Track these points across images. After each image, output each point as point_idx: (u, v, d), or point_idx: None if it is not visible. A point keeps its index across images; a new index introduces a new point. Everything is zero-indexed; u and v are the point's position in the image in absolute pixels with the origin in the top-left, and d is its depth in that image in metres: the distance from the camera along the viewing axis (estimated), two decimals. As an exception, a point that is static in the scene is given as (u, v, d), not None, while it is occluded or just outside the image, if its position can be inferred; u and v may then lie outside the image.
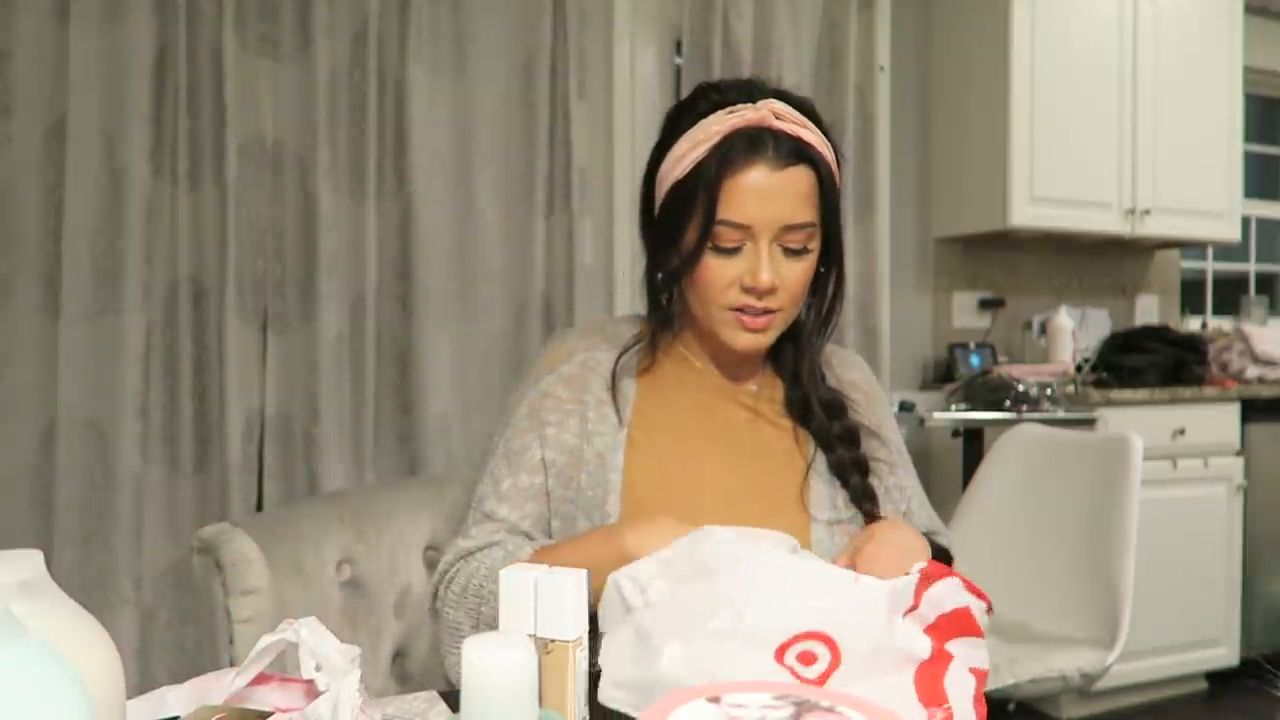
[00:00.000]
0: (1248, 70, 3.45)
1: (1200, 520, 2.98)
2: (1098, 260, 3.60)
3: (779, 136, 0.96)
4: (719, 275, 0.98)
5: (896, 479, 1.09)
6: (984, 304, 3.38)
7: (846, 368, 1.15)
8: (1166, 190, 3.24)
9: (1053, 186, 3.06)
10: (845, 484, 1.03)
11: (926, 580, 0.69)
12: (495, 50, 2.44)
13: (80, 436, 2.09)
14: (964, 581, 0.70)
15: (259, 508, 2.24)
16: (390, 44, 2.32)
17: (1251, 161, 3.75)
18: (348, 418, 2.29)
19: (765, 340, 1.01)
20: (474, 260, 2.42)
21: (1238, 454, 3.04)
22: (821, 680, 0.65)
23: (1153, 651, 2.87)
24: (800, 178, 0.97)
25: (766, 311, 0.99)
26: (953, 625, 0.69)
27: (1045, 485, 2.09)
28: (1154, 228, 3.23)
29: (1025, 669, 1.78)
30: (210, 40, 2.17)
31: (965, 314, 3.38)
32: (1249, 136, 3.63)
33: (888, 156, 2.91)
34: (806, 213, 0.97)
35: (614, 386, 1.03)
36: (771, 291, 0.97)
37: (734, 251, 0.97)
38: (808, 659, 0.66)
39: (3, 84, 2.05)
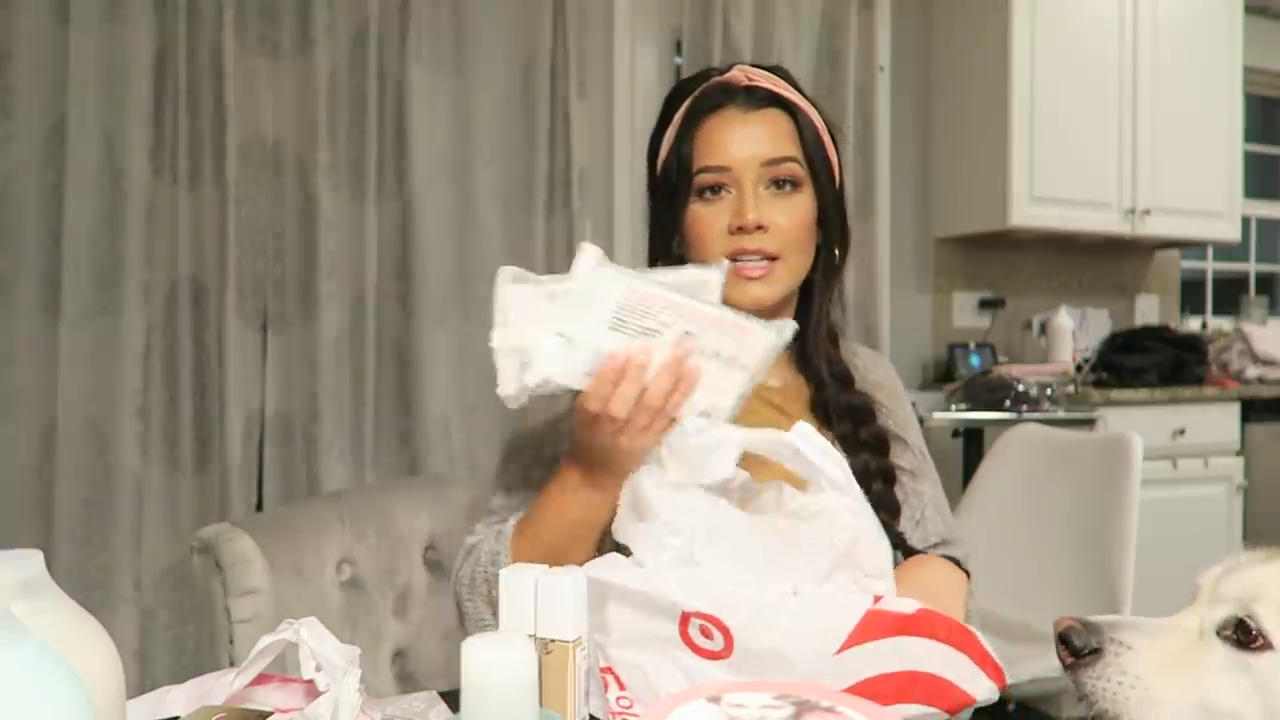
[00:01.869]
0: (1248, 70, 3.45)
1: (1200, 520, 2.97)
2: (1098, 260, 3.60)
3: (751, 88, 0.98)
4: (709, 225, 0.97)
5: (915, 484, 1.06)
6: (984, 304, 3.38)
7: (871, 367, 1.12)
8: (1166, 190, 3.23)
9: (1053, 186, 3.06)
10: (867, 490, 0.98)
11: (906, 624, 0.66)
12: (495, 51, 2.44)
13: (80, 436, 2.09)
14: (976, 650, 0.67)
15: (259, 508, 2.24)
16: (390, 44, 2.32)
17: (1251, 161, 3.75)
18: (348, 418, 2.29)
19: (768, 291, 0.97)
20: (474, 260, 2.42)
21: (1238, 454, 3.04)
22: (717, 656, 0.67)
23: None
24: (775, 119, 0.98)
25: (763, 257, 0.96)
26: (901, 689, 0.65)
27: (1045, 485, 2.09)
28: (1154, 228, 3.23)
29: (1025, 669, 1.78)
30: (210, 40, 2.17)
31: (965, 314, 3.38)
32: (1249, 136, 3.63)
33: (888, 156, 2.91)
34: (786, 148, 0.97)
35: None
36: (761, 230, 0.95)
37: (719, 198, 0.97)
38: (706, 633, 0.67)
39: (3, 84, 2.05)
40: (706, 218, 0.97)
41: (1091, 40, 3.10)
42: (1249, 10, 3.44)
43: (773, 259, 0.97)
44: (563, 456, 0.90)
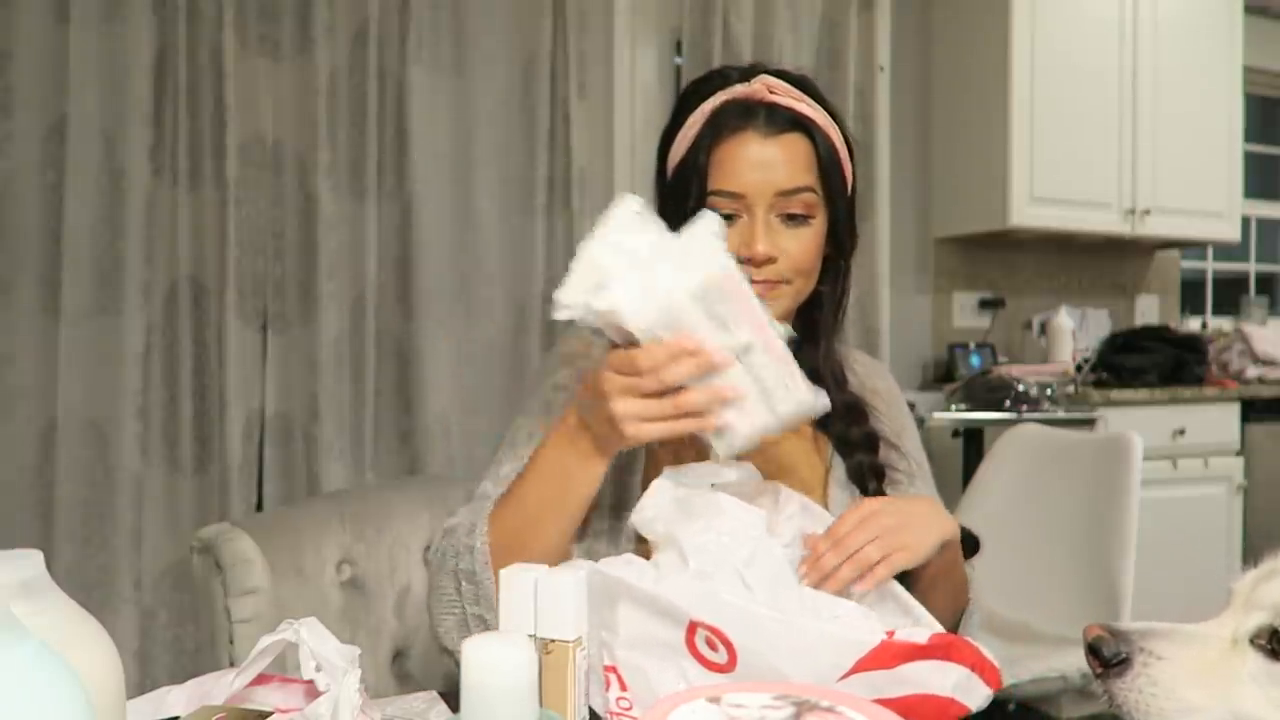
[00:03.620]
0: (1248, 70, 3.45)
1: (1200, 520, 2.97)
2: (1098, 260, 3.60)
3: (772, 107, 0.96)
4: None
5: (915, 489, 1.05)
6: (984, 304, 3.38)
7: (871, 375, 1.12)
8: (1166, 190, 3.23)
9: (1053, 186, 3.06)
10: (863, 491, 1.00)
11: (918, 653, 0.65)
12: (495, 51, 2.44)
13: (80, 436, 2.09)
14: (974, 659, 0.66)
15: (259, 508, 2.24)
16: (390, 44, 2.32)
17: (1251, 161, 3.75)
18: (348, 418, 2.29)
19: (772, 308, 0.95)
20: (474, 260, 2.42)
21: (1238, 454, 3.04)
22: (720, 669, 0.67)
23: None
24: (794, 144, 0.96)
25: (768, 283, 0.95)
26: (907, 710, 0.65)
27: (1045, 485, 2.09)
28: (1154, 228, 3.23)
29: (1025, 669, 1.78)
30: (210, 40, 2.17)
31: (965, 314, 3.38)
32: (1249, 136, 3.63)
33: (888, 156, 2.91)
34: (802, 178, 0.95)
35: None
36: (770, 262, 0.95)
37: (730, 223, 0.95)
38: (712, 645, 0.68)
39: (3, 84, 2.05)
40: None
41: (1091, 40, 3.10)
42: (1249, 10, 3.44)
43: (777, 283, 0.96)
44: (556, 419, 0.89)
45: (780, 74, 0.99)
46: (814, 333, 1.04)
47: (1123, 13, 3.14)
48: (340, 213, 2.29)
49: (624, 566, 0.71)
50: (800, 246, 0.96)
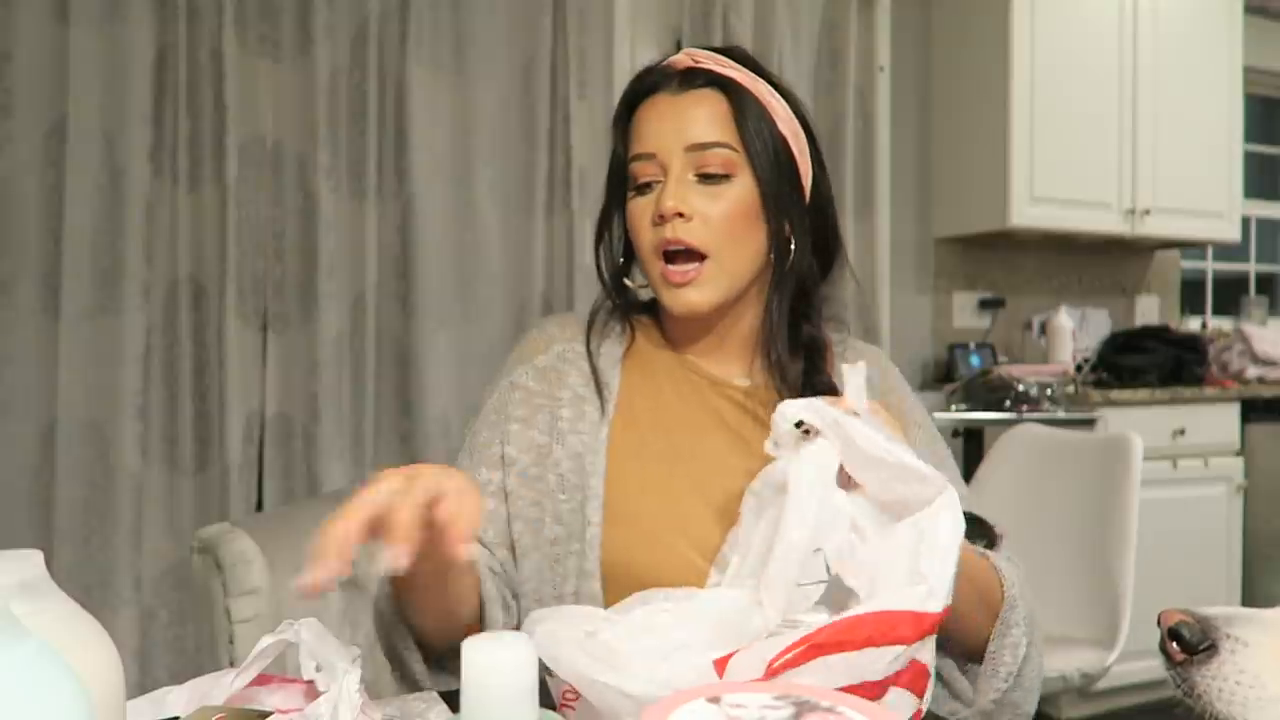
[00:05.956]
0: (1248, 70, 3.45)
1: (1200, 520, 2.97)
2: (1098, 260, 3.60)
3: (690, 70, 0.94)
4: (639, 217, 0.94)
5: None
6: (984, 304, 3.38)
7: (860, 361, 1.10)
8: (1166, 190, 3.23)
9: (1053, 186, 3.06)
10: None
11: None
12: (495, 51, 2.44)
13: (80, 436, 2.09)
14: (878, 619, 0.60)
15: (259, 508, 2.24)
16: (390, 44, 2.32)
17: (1251, 161, 3.75)
18: (348, 418, 2.29)
19: (697, 297, 0.92)
20: (474, 260, 2.42)
21: (1238, 454, 3.04)
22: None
23: (1152, 651, 2.83)
24: (708, 99, 0.92)
25: (687, 253, 0.90)
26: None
27: (1045, 485, 2.09)
28: (1154, 228, 3.23)
29: (1025, 669, 1.77)
30: (210, 40, 2.17)
31: (965, 314, 3.38)
32: (1249, 136, 3.63)
33: (888, 156, 2.91)
34: (716, 132, 0.91)
35: (597, 380, 0.97)
36: (682, 217, 0.89)
37: (651, 189, 0.93)
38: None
39: (3, 84, 2.05)
40: (637, 210, 0.94)
41: (1091, 40, 3.10)
42: (1249, 10, 3.44)
43: (701, 257, 0.91)
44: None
45: (710, 48, 0.98)
46: (767, 318, 1.00)
47: (1123, 13, 3.14)
48: (340, 213, 2.29)
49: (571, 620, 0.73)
50: (718, 208, 0.90)
